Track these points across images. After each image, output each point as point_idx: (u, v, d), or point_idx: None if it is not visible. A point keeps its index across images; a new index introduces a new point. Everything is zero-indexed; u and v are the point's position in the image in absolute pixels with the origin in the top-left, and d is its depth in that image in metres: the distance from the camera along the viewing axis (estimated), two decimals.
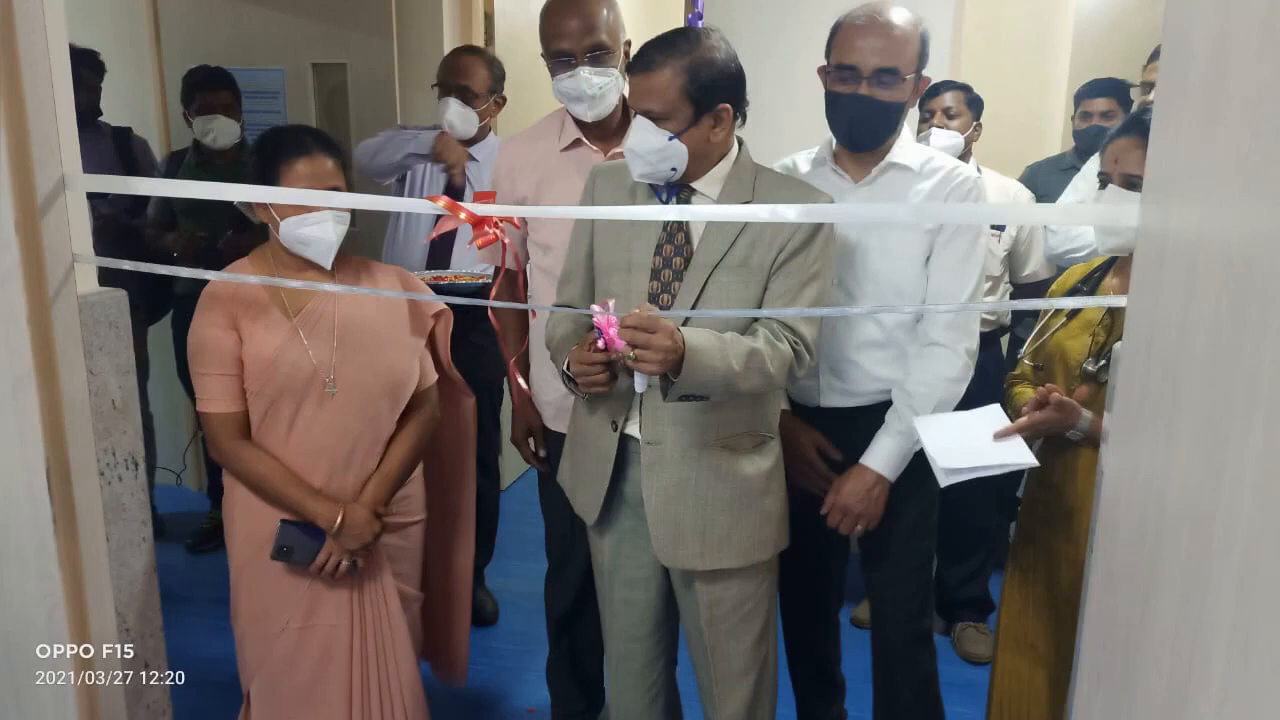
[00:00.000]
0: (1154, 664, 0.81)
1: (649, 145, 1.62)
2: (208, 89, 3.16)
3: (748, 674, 1.85)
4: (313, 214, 1.73)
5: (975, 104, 2.91)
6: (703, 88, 1.60)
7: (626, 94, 1.96)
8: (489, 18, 3.75)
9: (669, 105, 1.60)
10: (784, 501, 1.82)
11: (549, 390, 2.18)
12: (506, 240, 1.49)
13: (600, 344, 1.53)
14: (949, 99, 2.87)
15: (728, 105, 1.65)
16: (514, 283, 2.24)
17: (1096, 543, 1.05)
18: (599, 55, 2.01)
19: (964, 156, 2.82)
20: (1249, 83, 0.65)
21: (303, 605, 1.82)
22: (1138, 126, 1.76)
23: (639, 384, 1.59)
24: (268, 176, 1.74)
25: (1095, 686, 1.03)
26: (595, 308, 1.53)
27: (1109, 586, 1.00)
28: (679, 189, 1.71)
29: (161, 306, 3.31)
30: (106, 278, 1.56)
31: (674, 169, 1.65)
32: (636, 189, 1.74)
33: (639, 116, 1.63)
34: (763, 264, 1.67)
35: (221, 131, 3.15)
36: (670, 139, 1.61)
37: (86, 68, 3.01)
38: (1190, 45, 0.82)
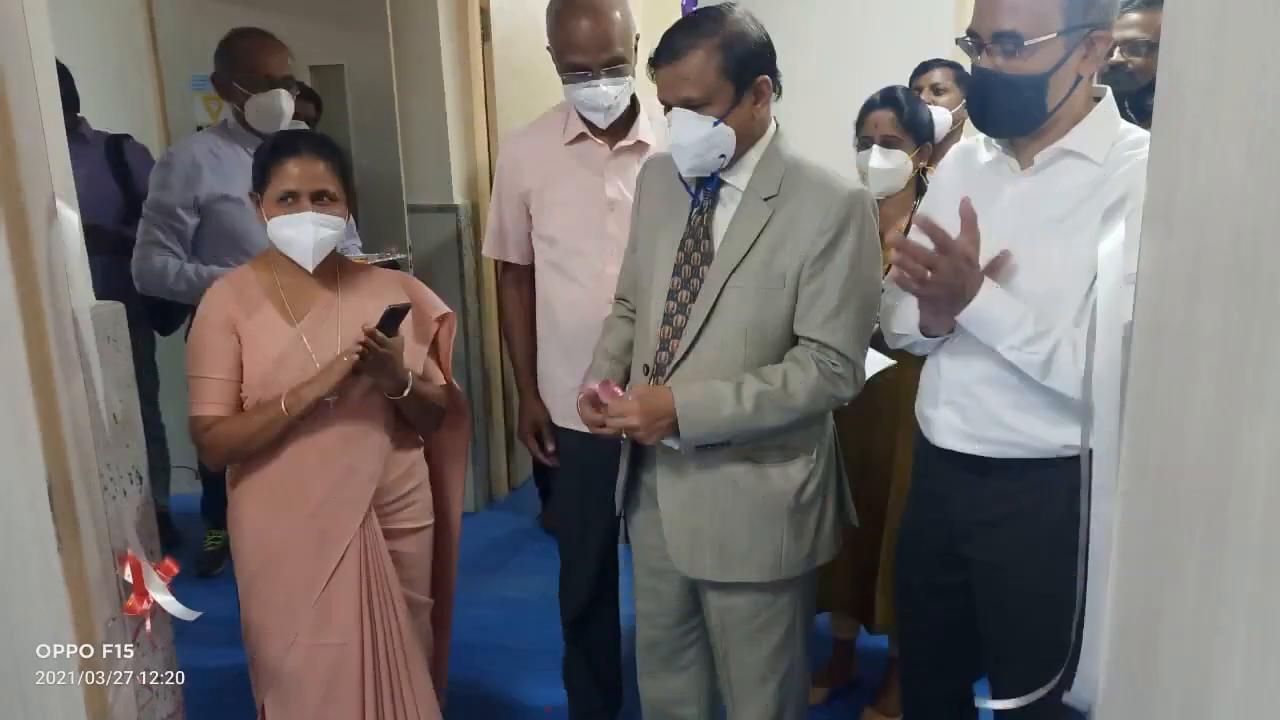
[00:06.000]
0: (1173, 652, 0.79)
1: (694, 135, 1.55)
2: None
3: (766, 682, 1.77)
4: (292, 215, 1.72)
5: (964, 81, 2.83)
6: (740, 63, 1.54)
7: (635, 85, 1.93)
8: (485, 14, 3.74)
9: (709, 89, 1.53)
10: (823, 516, 1.71)
11: (557, 386, 2.16)
12: None
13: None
14: (937, 75, 2.81)
15: (765, 77, 1.58)
16: (524, 277, 2.23)
17: (1096, 543, 1.02)
18: (617, 68, 1.97)
19: (955, 134, 2.77)
20: (1249, 84, 0.64)
21: (310, 620, 1.79)
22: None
23: (669, 440, 1.63)
24: (261, 177, 1.75)
25: (1114, 676, 1.01)
26: (592, 384, 1.64)
27: (1124, 579, 0.98)
28: (710, 182, 1.64)
29: (177, 317, 3.28)
30: (103, 291, 1.54)
31: (722, 155, 1.58)
32: (674, 181, 1.69)
33: (676, 109, 1.56)
34: (785, 273, 1.58)
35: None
36: (715, 124, 1.54)
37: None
38: (1191, 42, 0.80)
